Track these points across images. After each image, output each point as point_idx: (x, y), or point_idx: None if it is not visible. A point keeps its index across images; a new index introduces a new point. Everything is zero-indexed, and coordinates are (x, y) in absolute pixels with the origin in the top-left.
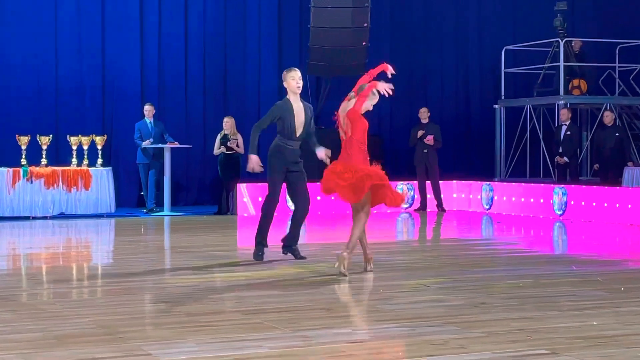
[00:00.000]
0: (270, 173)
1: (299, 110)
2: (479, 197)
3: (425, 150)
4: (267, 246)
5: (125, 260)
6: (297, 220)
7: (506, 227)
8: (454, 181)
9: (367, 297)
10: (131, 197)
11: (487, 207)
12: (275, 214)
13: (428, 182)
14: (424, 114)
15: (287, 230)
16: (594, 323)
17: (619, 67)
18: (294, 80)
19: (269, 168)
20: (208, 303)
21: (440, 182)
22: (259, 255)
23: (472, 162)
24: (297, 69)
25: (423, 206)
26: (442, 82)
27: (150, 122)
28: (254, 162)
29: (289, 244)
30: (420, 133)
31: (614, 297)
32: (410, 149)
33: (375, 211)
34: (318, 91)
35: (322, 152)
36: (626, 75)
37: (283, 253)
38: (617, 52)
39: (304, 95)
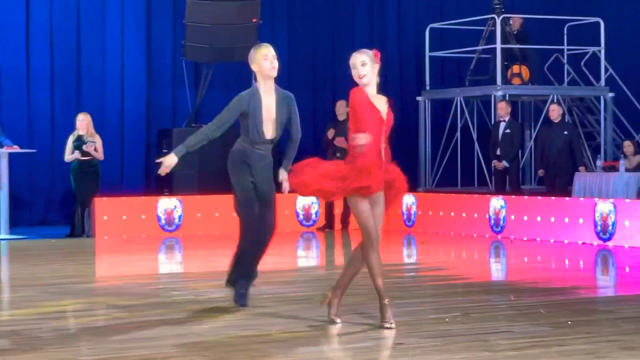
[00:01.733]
0: (235, 188)
1: (271, 104)
2: (399, 211)
3: (338, 154)
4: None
5: None
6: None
7: (432, 248)
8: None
9: (255, 338)
10: None
11: (410, 224)
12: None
13: None
14: (341, 109)
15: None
16: None
17: (567, 50)
18: (266, 59)
19: (232, 182)
20: (56, 351)
21: None
22: (242, 295)
23: None
24: (269, 45)
25: (329, 224)
26: None
27: None
28: (167, 163)
29: (237, 277)
30: (331, 133)
31: (558, 333)
32: (322, 151)
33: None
34: (197, 80)
35: (284, 175)
36: (576, 60)
37: (225, 285)
38: (565, 31)
39: (179, 86)
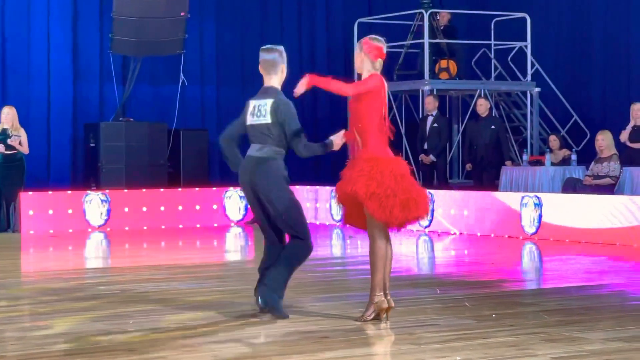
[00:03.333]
0: (294, 201)
1: None
2: (327, 206)
3: None
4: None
5: None
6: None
7: (361, 242)
8: (296, 186)
9: (185, 333)
10: None
11: (338, 219)
12: None
13: None
14: None
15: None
16: (458, 358)
17: (494, 45)
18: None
19: (286, 197)
20: None
21: None
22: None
23: (319, 163)
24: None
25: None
26: None
27: None
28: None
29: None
30: None
31: (483, 326)
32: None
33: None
34: (125, 74)
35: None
36: (503, 55)
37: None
38: (492, 26)
39: (106, 79)
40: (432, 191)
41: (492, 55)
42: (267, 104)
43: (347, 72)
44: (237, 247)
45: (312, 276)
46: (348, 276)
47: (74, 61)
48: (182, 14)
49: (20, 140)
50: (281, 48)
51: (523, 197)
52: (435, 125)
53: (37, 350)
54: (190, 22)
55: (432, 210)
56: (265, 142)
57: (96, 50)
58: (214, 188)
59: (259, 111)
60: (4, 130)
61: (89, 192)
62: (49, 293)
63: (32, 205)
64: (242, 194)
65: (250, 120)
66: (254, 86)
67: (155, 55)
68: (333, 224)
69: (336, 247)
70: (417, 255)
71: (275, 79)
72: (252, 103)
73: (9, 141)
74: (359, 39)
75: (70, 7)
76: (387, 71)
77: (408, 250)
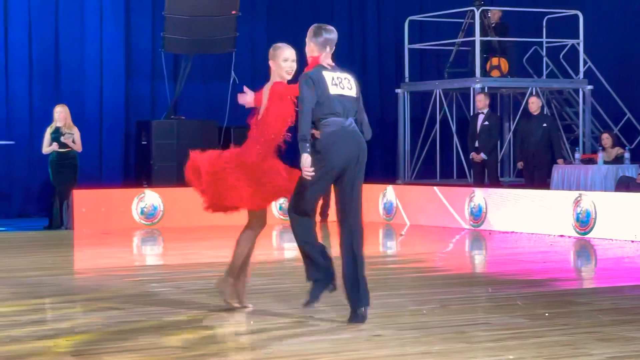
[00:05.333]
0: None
1: None
2: (378, 203)
3: None
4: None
5: None
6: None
7: (411, 240)
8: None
9: (234, 330)
10: None
11: (389, 216)
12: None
13: None
14: None
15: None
16: (511, 357)
17: (546, 42)
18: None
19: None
20: (33, 343)
21: None
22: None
23: (369, 160)
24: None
25: None
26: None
27: None
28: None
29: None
30: None
31: (536, 325)
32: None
33: None
34: (176, 72)
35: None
36: (555, 53)
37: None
38: (544, 23)
39: (157, 78)
40: (483, 189)
41: (543, 53)
42: (349, 77)
43: (397, 69)
44: (285, 244)
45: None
46: (399, 274)
47: (127, 60)
48: (233, 12)
49: (73, 138)
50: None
51: (575, 196)
52: (487, 123)
53: (89, 347)
54: (241, 20)
55: (481, 209)
56: (349, 115)
57: (148, 49)
58: None
59: (342, 83)
60: (58, 128)
61: (143, 189)
62: (102, 290)
63: (84, 202)
64: None
65: (335, 90)
66: None
67: (206, 53)
68: (382, 222)
69: (387, 244)
70: (469, 253)
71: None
72: (328, 74)
73: (62, 139)
74: (410, 37)
75: (123, 6)
76: (438, 69)
77: (459, 248)
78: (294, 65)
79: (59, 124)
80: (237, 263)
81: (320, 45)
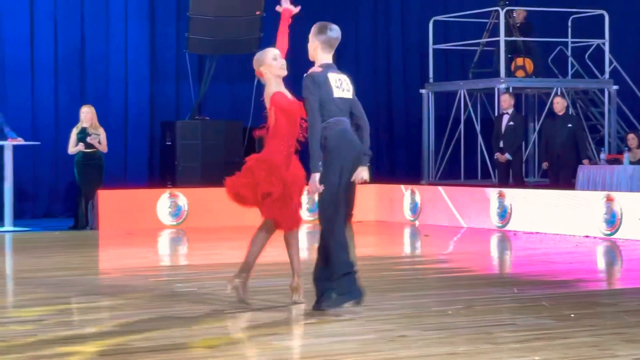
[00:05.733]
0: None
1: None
2: (403, 203)
3: None
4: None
5: None
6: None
7: (435, 240)
8: (376, 185)
9: (260, 331)
10: None
11: (413, 216)
12: None
13: None
14: None
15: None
16: (537, 358)
17: (571, 42)
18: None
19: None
20: (61, 343)
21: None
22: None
23: (394, 160)
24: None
25: None
26: (356, 62)
27: None
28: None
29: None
30: None
31: (562, 326)
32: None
33: None
34: (200, 72)
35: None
36: (580, 53)
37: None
38: (569, 23)
39: (182, 78)
40: (507, 190)
41: (569, 53)
42: (347, 79)
43: (421, 69)
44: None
45: (388, 275)
46: (423, 274)
47: (151, 60)
48: (258, 13)
49: (99, 139)
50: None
51: (601, 196)
52: (511, 123)
53: (117, 346)
54: (265, 20)
55: (505, 209)
56: (347, 116)
57: (173, 49)
58: None
59: (342, 85)
60: (84, 129)
61: (167, 190)
62: (127, 290)
63: (109, 202)
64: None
65: (338, 93)
66: None
67: (230, 54)
68: (407, 222)
69: (411, 245)
70: (494, 254)
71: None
72: (332, 76)
73: (88, 139)
74: (434, 37)
75: (148, 6)
76: (463, 69)
77: (484, 249)
78: (284, 61)
79: (85, 125)
80: (250, 262)
81: (325, 43)
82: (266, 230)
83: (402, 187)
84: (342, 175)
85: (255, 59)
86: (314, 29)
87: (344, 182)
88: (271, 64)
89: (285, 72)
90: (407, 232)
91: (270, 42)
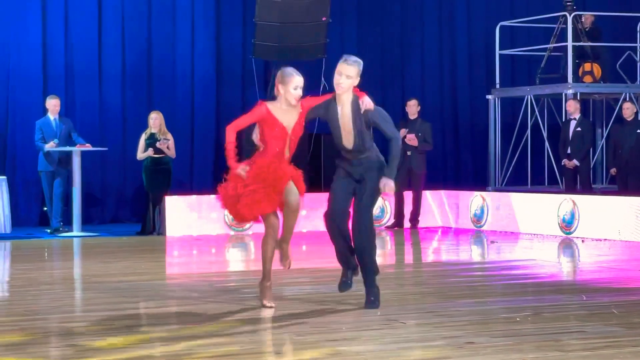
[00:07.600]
0: None
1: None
2: (469, 210)
3: (409, 153)
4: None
5: (24, 294)
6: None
7: (502, 247)
8: (442, 191)
9: (326, 336)
10: (32, 214)
11: (480, 223)
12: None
13: (408, 192)
14: (412, 108)
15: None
16: None
17: None
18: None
19: None
20: (128, 348)
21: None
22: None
23: (460, 166)
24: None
25: (399, 222)
26: (422, 67)
27: (54, 120)
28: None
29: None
30: (403, 132)
31: (632, 334)
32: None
33: None
34: (267, 78)
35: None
36: None
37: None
38: (638, 28)
39: (248, 84)
40: (575, 196)
41: (637, 58)
42: None
43: (488, 75)
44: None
45: (455, 281)
46: (490, 281)
47: (217, 66)
48: (324, 19)
49: (168, 145)
50: None
51: None
52: (579, 129)
53: (185, 351)
54: (331, 26)
55: (573, 216)
56: None
57: (239, 55)
58: None
59: None
60: (152, 134)
61: None
62: (194, 296)
63: (177, 208)
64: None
65: None
66: (394, 89)
67: (296, 60)
68: (473, 229)
69: (477, 251)
70: (561, 261)
71: None
72: None
73: (157, 144)
74: (501, 42)
75: (214, 13)
76: (530, 75)
77: (551, 256)
78: (301, 94)
79: (153, 130)
80: (267, 266)
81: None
82: (267, 234)
83: (469, 193)
84: None
85: (280, 73)
86: (358, 63)
87: None
88: (289, 91)
89: (296, 104)
90: (473, 238)
91: (336, 47)
